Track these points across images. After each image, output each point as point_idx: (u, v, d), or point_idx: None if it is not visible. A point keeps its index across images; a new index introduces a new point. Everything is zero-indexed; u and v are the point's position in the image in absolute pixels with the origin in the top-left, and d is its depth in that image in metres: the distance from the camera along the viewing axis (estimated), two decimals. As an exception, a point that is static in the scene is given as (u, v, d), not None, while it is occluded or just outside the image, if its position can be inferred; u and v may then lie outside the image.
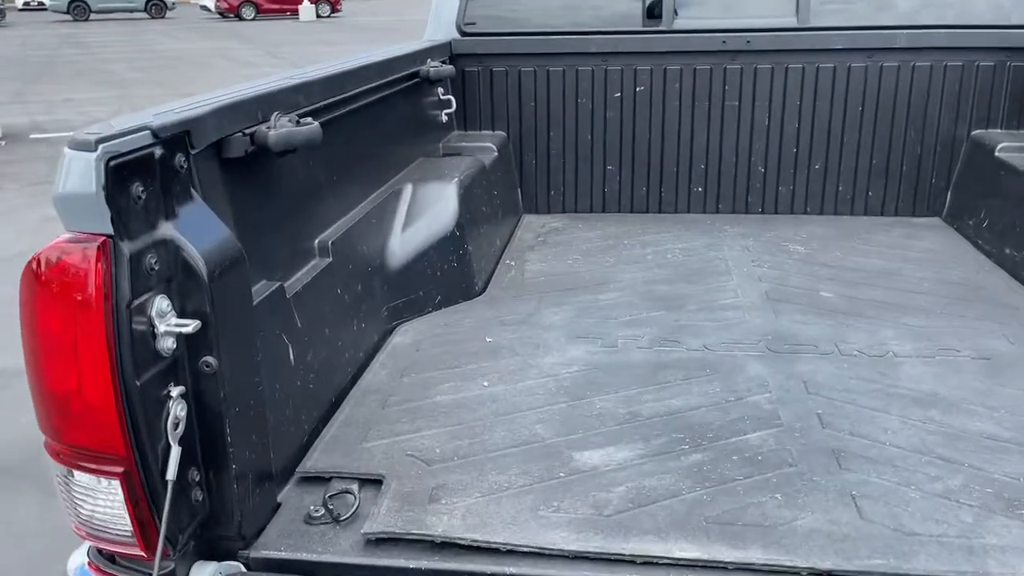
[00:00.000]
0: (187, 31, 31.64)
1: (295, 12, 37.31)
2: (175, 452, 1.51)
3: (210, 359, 1.58)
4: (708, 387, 2.31)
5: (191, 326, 1.53)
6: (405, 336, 2.72)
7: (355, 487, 1.89)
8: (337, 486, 1.90)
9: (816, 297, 2.95)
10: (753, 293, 2.99)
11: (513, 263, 3.42)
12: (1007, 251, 3.17)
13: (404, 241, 2.88)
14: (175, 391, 1.54)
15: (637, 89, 3.89)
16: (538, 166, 4.05)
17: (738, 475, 1.89)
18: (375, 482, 1.91)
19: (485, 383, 2.37)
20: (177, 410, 1.52)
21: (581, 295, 3.04)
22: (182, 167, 1.63)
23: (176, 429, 1.52)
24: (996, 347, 2.49)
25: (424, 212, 2.99)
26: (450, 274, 2.98)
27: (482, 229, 3.29)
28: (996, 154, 3.43)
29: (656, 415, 2.17)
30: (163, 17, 40.57)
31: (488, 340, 2.66)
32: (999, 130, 3.68)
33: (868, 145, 3.80)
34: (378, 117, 2.95)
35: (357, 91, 2.68)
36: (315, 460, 2.00)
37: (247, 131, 1.89)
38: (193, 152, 1.70)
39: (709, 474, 1.90)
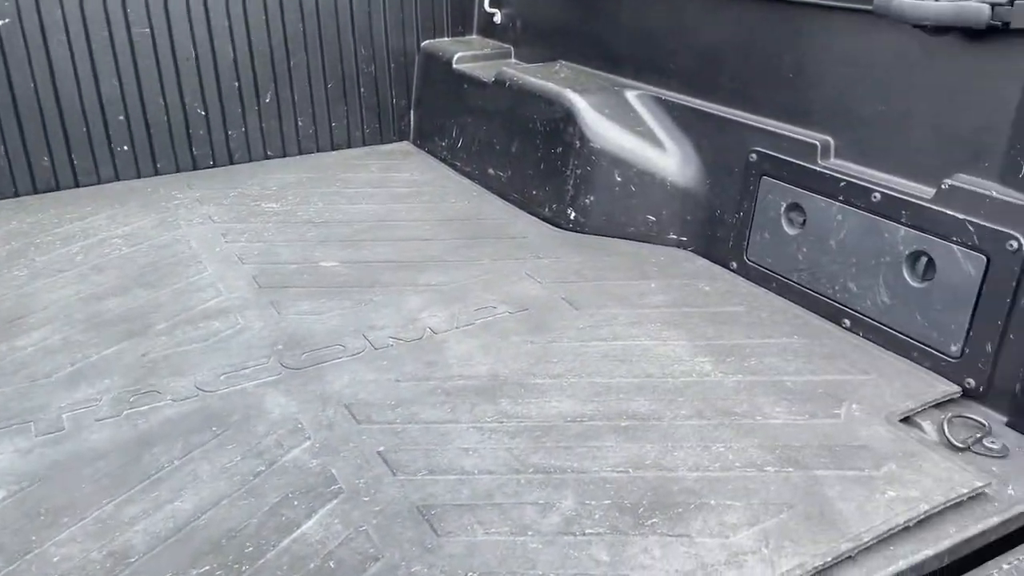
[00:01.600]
0: None
1: None
2: None
3: None
4: (223, 459, 1.59)
5: None
6: None
7: None
8: None
9: (317, 271, 2.37)
10: (239, 283, 2.29)
11: None
12: (490, 171, 2.97)
13: None
14: None
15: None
16: None
17: (313, 610, 1.26)
18: None
19: None
20: None
21: (-17, 348, 1.99)
22: None
23: None
24: (527, 292, 2.22)
25: None
26: None
27: None
28: (455, 66, 3.18)
29: (157, 541, 1.39)
30: None
31: None
32: (447, 39, 3.45)
33: (319, 68, 3.26)
34: None
35: None
36: None
37: None
38: None
39: (271, 627, 1.23)
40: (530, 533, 1.40)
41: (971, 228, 1.72)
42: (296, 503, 1.47)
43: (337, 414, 1.72)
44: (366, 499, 1.48)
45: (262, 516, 1.44)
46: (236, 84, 3.12)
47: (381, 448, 1.61)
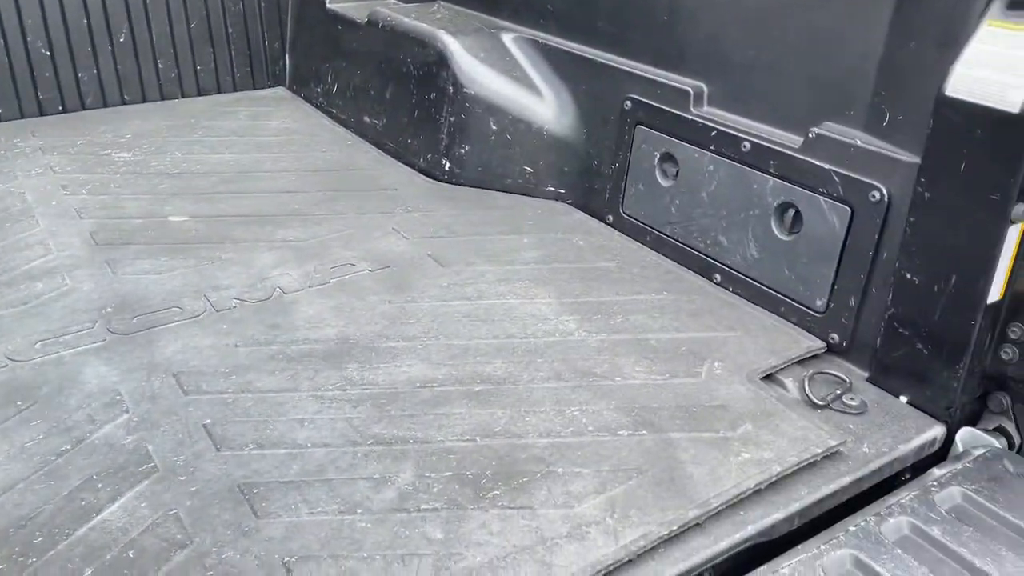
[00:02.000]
0: None
1: None
2: None
3: None
4: (23, 437, 1.42)
5: None
6: None
7: None
8: None
9: (164, 226, 2.17)
10: (73, 239, 2.08)
11: None
12: (366, 119, 2.79)
13: None
14: None
15: None
16: None
17: (102, 607, 1.12)
18: None
19: None
20: None
21: None
22: None
23: None
24: (391, 248, 2.09)
25: None
26: None
27: None
28: (329, 6, 2.96)
29: (-69, 535, 1.23)
30: None
31: None
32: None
33: (179, 5, 3.00)
34: None
35: None
36: None
37: None
38: None
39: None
40: (360, 511, 1.28)
41: (836, 179, 1.66)
42: (100, 485, 1.32)
43: (163, 384, 1.56)
44: (182, 478, 1.34)
45: (59, 501, 1.29)
46: (85, 21, 2.84)
47: (207, 421, 1.47)
